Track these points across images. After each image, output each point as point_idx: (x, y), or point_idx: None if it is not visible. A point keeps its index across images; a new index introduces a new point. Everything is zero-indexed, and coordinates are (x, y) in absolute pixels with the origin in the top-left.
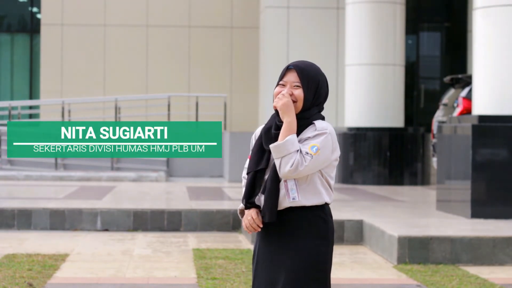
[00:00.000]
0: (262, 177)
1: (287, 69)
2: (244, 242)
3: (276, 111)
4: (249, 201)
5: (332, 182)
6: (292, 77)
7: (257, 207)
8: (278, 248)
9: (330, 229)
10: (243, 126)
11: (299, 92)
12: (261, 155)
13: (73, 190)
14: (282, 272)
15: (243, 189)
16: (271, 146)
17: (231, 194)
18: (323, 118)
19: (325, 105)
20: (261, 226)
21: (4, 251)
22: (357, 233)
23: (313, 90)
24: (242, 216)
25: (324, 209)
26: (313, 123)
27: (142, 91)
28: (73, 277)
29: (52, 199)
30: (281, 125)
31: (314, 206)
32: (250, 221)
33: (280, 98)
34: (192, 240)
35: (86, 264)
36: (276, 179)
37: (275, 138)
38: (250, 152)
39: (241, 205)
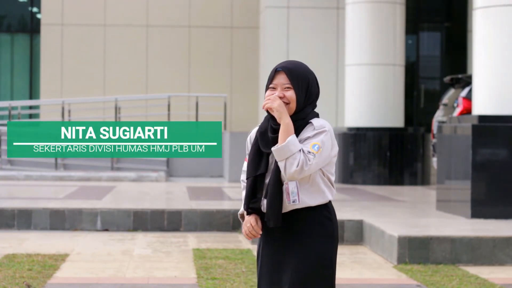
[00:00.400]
0: (262, 181)
1: (276, 71)
2: (244, 242)
3: (270, 114)
4: (250, 206)
5: (333, 178)
6: (282, 79)
7: (258, 212)
8: (284, 248)
9: (335, 227)
10: (243, 126)
11: (291, 94)
12: (259, 159)
13: (73, 190)
14: (289, 272)
15: (243, 193)
16: (273, 149)
17: (231, 194)
18: (318, 116)
19: (325, 105)
20: (261, 232)
21: (4, 251)
22: (357, 233)
23: (304, 89)
24: (243, 220)
25: (328, 207)
26: (310, 122)
27: (142, 91)
28: (73, 277)
29: (52, 199)
30: (277, 128)
31: (319, 205)
32: (249, 228)
33: (272, 100)
34: (192, 240)
35: (86, 264)
36: (278, 183)
37: (273, 142)
38: (247, 155)
39: (241, 210)
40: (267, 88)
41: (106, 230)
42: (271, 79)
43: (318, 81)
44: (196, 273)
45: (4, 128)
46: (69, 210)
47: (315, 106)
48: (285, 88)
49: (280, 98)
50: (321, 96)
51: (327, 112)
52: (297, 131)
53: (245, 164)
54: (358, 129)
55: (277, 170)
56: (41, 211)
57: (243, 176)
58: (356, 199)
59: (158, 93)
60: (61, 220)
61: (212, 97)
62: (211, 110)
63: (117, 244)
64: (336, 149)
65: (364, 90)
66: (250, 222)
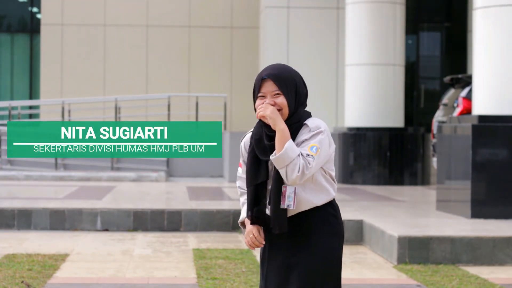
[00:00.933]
0: (264, 189)
1: (262, 79)
2: (244, 242)
3: (264, 122)
4: (254, 215)
5: (333, 173)
6: (270, 87)
7: (263, 219)
8: (291, 248)
9: (341, 224)
10: (243, 126)
11: (281, 100)
12: (258, 167)
13: (73, 190)
14: (297, 272)
15: (241, 200)
16: (272, 158)
17: (231, 194)
18: (310, 115)
19: (325, 105)
20: (263, 243)
21: (4, 251)
22: (357, 233)
23: (293, 93)
24: (243, 227)
25: (333, 204)
26: (305, 123)
27: (142, 91)
28: (73, 277)
29: (52, 199)
30: (273, 135)
31: (324, 203)
32: (252, 239)
33: (264, 107)
34: (192, 240)
35: (86, 264)
36: (280, 189)
37: (270, 149)
38: (241, 160)
39: (241, 217)
40: (255, 97)
41: (106, 230)
42: (258, 88)
43: (318, 81)
44: (196, 273)
45: (4, 128)
46: (69, 210)
47: (306, 105)
48: (274, 95)
49: (272, 105)
50: (321, 96)
51: (327, 112)
52: (293, 134)
53: (240, 169)
54: (358, 129)
55: (278, 176)
56: (41, 211)
57: (240, 183)
58: (356, 199)
59: (158, 93)
60: (61, 220)
61: (212, 97)
62: (211, 110)
63: (117, 244)
64: (333, 146)
65: (364, 90)
66: (252, 233)
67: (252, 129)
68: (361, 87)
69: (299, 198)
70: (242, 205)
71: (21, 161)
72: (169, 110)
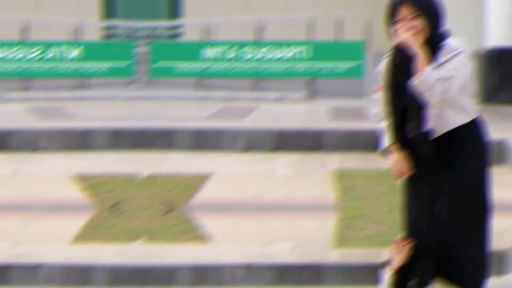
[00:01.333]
0: (405, 113)
1: (399, 4)
2: (385, 163)
3: (401, 47)
4: (399, 139)
5: (471, 91)
6: (407, 11)
7: (408, 145)
8: (439, 168)
9: (487, 140)
10: (386, 46)
11: (419, 23)
12: (399, 92)
13: (215, 110)
14: (446, 190)
15: (381, 125)
16: (412, 84)
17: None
18: (449, 34)
19: (464, 24)
20: (412, 171)
21: (146, 171)
22: (499, 153)
23: (431, 13)
24: (386, 155)
25: (476, 122)
26: (445, 44)
27: (284, 10)
28: (215, 197)
29: (194, 119)
30: (411, 60)
31: (469, 122)
32: (400, 169)
33: (402, 32)
34: (334, 160)
35: (227, 184)
36: (421, 113)
37: (409, 74)
38: (379, 85)
39: (384, 144)
40: (391, 23)
41: (248, 150)
42: (395, 13)
43: None
44: (337, 193)
45: (145, 49)
46: (211, 130)
47: (444, 24)
48: (412, 18)
49: (411, 29)
50: (459, 13)
51: (466, 31)
52: (433, 56)
53: (378, 95)
54: (500, 48)
55: (419, 100)
56: (183, 131)
57: (378, 108)
58: (496, 119)
59: (300, 11)
60: (203, 140)
61: (356, 16)
62: (353, 30)
63: (259, 164)
64: (470, 65)
65: (509, 8)
66: (399, 162)
67: (389, 53)
68: (507, 2)
69: (441, 119)
70: (382, 131)
71: (163, 81)
72: (311, 30)
